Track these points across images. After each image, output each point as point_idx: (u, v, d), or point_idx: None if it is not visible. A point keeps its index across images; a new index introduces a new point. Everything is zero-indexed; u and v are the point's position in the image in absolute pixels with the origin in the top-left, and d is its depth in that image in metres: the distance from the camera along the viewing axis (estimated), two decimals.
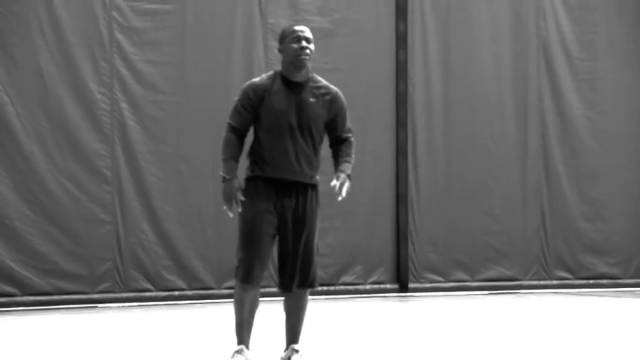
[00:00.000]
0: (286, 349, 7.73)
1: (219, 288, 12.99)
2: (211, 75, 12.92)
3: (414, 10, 13.82)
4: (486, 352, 8.88)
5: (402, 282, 13.75)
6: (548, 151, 14.39)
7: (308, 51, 7.54)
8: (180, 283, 12.90)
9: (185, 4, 12.93)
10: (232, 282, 12.75)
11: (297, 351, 7.67)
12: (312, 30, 13.17)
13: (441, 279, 13.98)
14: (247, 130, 7.64)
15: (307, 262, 7.67)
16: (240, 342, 7.63)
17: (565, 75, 14.45)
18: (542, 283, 14.34)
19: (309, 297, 7.86)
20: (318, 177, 7.67)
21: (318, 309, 11.23)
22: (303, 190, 7.65)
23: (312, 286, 7.70)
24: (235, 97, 7.64)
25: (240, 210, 7.55)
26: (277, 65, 12.95)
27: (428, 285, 13.87)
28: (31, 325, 10.93)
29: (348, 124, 7.79)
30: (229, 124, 7.63)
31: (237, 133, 7.63)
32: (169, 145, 12.86)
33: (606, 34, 14.63)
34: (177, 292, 12.88)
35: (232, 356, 7.57)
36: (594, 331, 10.52)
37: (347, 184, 7.56)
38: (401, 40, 13.71)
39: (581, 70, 14.53)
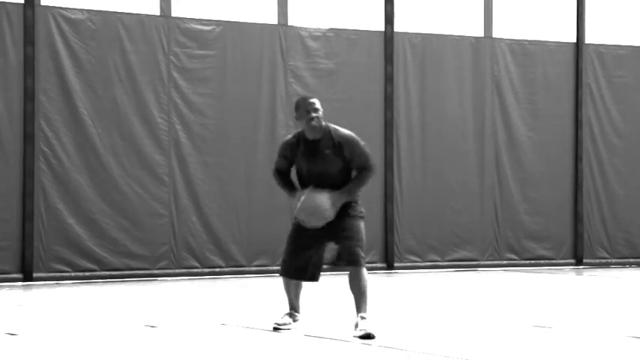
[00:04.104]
0: (356, 316, 7.58)
1: (249, 265, 12.94)
2: (244, 104, 12.98)
3: (399, 56, 13.71)
4: (453, 311, 9.16)
5: (388, 262, 13.69)
6: (499, 162, 14.25)
7: (316, 118, 7.64)
8: (220, 262, 12.82)
9: (225, 51, 12.87)
10: (259, 261, 13.07)
11: (363, 318, 7.51)
12: (320, 70, 13.62)
13: (418, 259, 13.87)
14: (288, 170, 7.84)
15: (353, 246, 7.59)
16: (291, 308, 7.90)
17: (512, 104, 14.34)
18: (495, 262, 14.18)
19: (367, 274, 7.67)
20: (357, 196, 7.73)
21: (330, 281, 11.33)
22: (342, 209, 7.62)
23: (357, 263, 7.56)
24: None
25: (292, 226, 7.78)
26: (294, 96, 13.49)
27: (408, 264, 13.77)
28: (107, 292, 11.06)
29: (365, 157, 7.68)
30: (274, 168, 7.87)
31: (280, 172, 7.87)
32: (212, 157, 12.79)
33: (542, 74, 14.50)
34: (217, 269, 12.79)
35: (282, 317, 7.85)
36: (534, 297, 10.76)
37: (334, 200, 7.50)
38: (388, 79, 13.63)
39: (523, 101, 14.40)
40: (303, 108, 7.69)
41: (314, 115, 7.63)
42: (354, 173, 7.76)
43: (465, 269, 14.00)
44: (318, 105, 7.71)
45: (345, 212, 7.67)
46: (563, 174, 14.66)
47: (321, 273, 7.86)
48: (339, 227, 7.63)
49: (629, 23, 15.10)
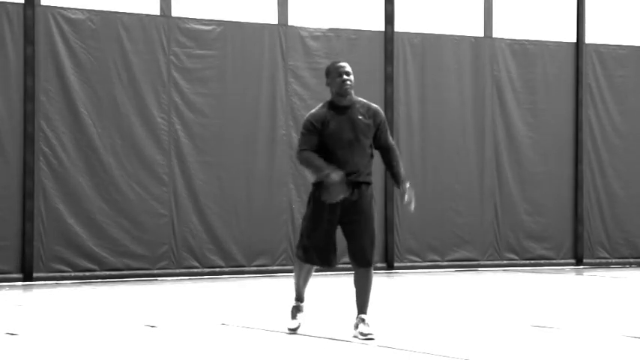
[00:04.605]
0: (356, 317, 7.53)
1: (249, 266, 12.96)
2: (244, 103, 12.99)
3: (399, 57, 13.75)
4: (453, 311, 9.18)
5: (389, 262, 13.70)
6: (500, 162, 14.27)
7: (349, 82, 7.48)
8: (220, 262, 12.83)
9: (225, 51, 12.90)
10: (259, 261, 13.09)
11: (363, 320, 7.45)
12: (320, 70, 13.66)
13: (418, 259, 13.88)
14: (316, 149, 7.43)
15: (365, 246, 7.48)
16: (297, 299, 7.81)
17: (512, 104, 14.36)
18: (495, 262, 14.19)
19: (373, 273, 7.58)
20: (371, 177, 7.60)
21: (329, 281, 11.34)
22: (362, 189, 7.48)
23: (369, 265, 7.48)
24: (300, 130, 7.54)
25: (309, 206, 7.51)
26: (294, 96, 13.48)
27: (409, 264, 13.77)
28: (107, 292, 11.10)
29: (388, 134, 7.58)
30: (301, 150, 7.46)
31: (308, 152, 7.45)
32: (212, 156, 12.82)
33: (542, 75, 14.52)
34: (217, 269, 12.80)
35: (292, 318, 7.78)
36: (534, 297, 10.79)
37: (412, 194, 7.48)
38: (388, 79, 13.67)
39: (523, 101, 14.43)
40: (334, 71, 7.53)
41: (346, 77, 7.47)
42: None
43: (465, 269, 14.01)
44: (349, 69, 7.55)
45: (366, 193, 7.54)
46: (563, 174, 14.70)
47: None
48: (358, 213, 7.49)
49: (629, 23, 15.16)
